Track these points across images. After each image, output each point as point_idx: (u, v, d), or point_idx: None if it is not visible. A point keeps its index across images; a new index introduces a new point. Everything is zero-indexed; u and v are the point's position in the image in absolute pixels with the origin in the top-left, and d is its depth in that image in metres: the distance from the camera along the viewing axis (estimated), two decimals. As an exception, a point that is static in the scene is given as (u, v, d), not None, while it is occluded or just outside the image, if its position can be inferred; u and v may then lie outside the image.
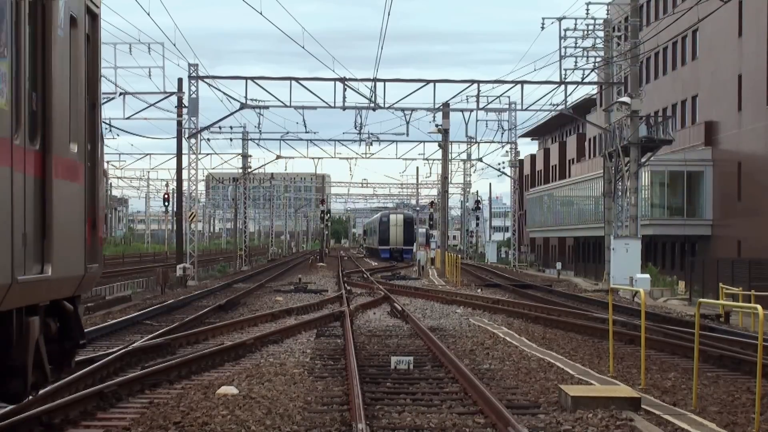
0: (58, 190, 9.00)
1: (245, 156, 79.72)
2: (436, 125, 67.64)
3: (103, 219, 11.13)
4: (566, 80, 51.74)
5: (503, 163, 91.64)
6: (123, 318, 26.27)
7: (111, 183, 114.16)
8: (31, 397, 9.44)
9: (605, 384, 15.83)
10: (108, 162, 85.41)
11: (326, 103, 51.08)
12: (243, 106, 51.61)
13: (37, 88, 8.75)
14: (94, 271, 10.36)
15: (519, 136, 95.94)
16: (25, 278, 8.15)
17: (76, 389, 13.81)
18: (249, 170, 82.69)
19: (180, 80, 53.44)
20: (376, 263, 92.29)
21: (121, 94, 51.63)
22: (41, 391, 11.20)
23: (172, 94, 53.28)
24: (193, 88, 51.81)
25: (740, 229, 59.03)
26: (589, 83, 55.75)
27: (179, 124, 53.63)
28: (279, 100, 52.55)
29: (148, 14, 67.69)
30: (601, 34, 52.50)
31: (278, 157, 79.49)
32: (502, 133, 75.04)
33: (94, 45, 10.50)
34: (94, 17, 10.48)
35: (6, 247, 7.71)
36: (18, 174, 8.00)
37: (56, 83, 9.04)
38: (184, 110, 52.66)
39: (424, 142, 77.07)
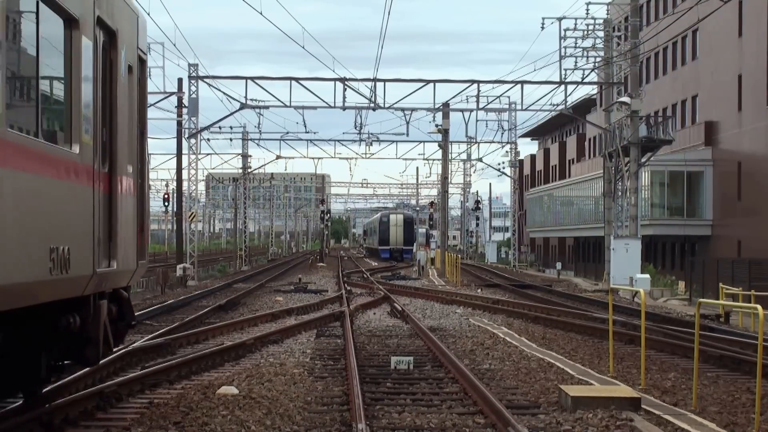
0: (120, 203, 11.75)
1: (245, 156, 79.72)
2: (436, 125, 67.65)
3: (149, 224, 14.25)
4: (566, 80, 51.74)
5: (503, 163, 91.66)
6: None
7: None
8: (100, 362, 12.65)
9: (605, 384, 15.83)
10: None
11: (326, 103, 51.10)
12: (243, 106, 51.62)
13: (106, 124, 11.41)
14: (143, 265, 13.17)
15: (519, 136, 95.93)
16: (100, 270, 10.92)
17: (76, 389, 13.80)
18: (249, 170, 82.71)
19: (180, 80, 53.46)
20: (376, 263, 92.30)
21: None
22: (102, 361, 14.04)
23: (172, 94, 53.30)
24: (193, 88, 51.85)
25: (740, 229, 59.04)
26: (589, 83, 55.75)
27: (179, 124, 53.65)
28: (279, 100, 52.59)
29: (149, 14, 67.61)
30: (601, 34, 52.50)
31: (278, 157, 79.53)
32: (502, 133, 75.12)
33: (142, 85, 13.24)
34: (143, 63, 13.21)
35: (89, 247, 10.48)
36: (97, 192, 10.79)
37: (119, 119, 11.77)
38: (184, 110, 52.68)
39: (424, 142, 77.15)
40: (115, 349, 13.61)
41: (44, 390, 12.23)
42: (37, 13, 9.01)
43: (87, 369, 13.99)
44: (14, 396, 11.81)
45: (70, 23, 9.89)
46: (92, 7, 10.46)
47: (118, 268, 11.75)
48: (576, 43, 52.19)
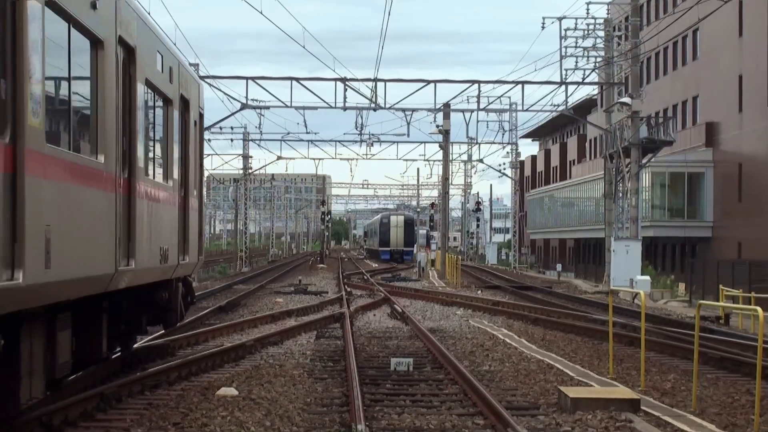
0: (189, 216, 17.49)
1: (246, 157, 79.70)
2: (437, 126, 67.64)
3: (204, 230, 20.76)
4: (567, 80, 51.72)
5: (504, 164, 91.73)
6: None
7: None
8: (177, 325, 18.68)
9: (605, 385, 15.83)
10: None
11: (327, 103, 51.13)
12: (244, 107, 51.62)
13: (182, 162, 17.07)
14: (201, 260, 19.26)
15: (520, 137, 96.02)
16: (181, 262, 16.69)
17: (75, 390, 13.80)
18: (250, 171, 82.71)
19: (180, 81, 53.36)
20: (376, 265, 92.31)
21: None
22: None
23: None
24: (194, 89, 51.80)
25: (741, 231, 59.03)
26: (590, 83, 55.74)
27: (180, 124, 53.57)
28: (280, 101, 52.60)
29: (149, 14, 67.62)
30: (601, 33, 52.50)
31: (279, 157, 79.58)
32: (503, 134, 75.13)
33: (201, 130, 19.01)
34: (201, 116, 19.16)
35: (176, 246, 16.15)
36: (181, 210, 16.77)
37: (190, 157, 17.62)
38: (185, 111, 52.64)
39: (424, 142, 77.24)
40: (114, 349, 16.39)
41: (135, 345, 17.58)
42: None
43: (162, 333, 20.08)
44: (116, 347, 16.06)
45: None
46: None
47: (189, 261, 17.53)
48: (576, 43, 52.20)
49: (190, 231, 17.49)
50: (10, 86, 8.90)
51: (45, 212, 9.51)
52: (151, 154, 14.48)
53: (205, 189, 20.40)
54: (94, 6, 11.06)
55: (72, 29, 10.57)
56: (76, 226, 10.72)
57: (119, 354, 16.64)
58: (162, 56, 15.01)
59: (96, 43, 11.47)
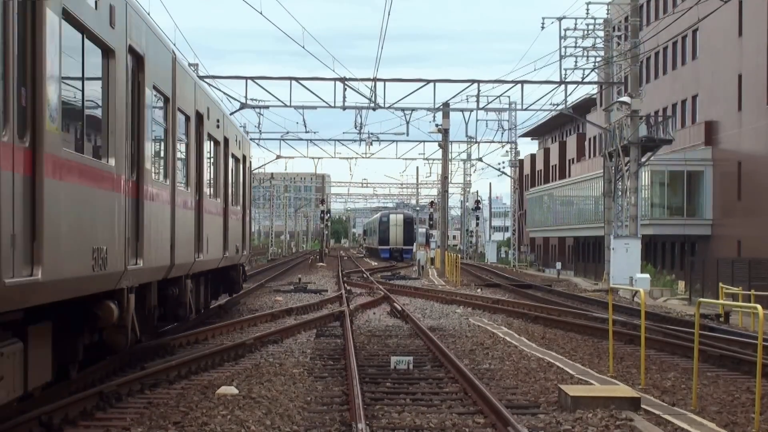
0: (245, 223, 28.46)
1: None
2: (436, 125, 67.65)
3: (251, 232, 34.32)
4: (566, 80, 51.72)
5: (503, 162, 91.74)
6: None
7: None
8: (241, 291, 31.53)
9: (605, 384, 15.83)
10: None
11: (326, 102, 51.11)
12: (243, 106, 51.61)
13: (235, 186, 26.17)
14: (248, 253, 30.86)
15: (519, 136, 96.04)
16: (243, 254, 28.38)
17: (75, 389, 13.79)
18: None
19: (180, 80, 53.39)
20: (376, 263, 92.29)
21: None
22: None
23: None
24: (193, 88, 51.79)
25: (740, 229, 59.04)
26: (589, 83, 55.72)
27: (179, 124, 53.65)
28: (279, 100, 52.61)
29: (148, 14, 67.63)
30: (601, 33, 52.51)
31: (278, 156, 79.50)
32: (502, 133, 75.11)
33: (247, 164, 29.06)
34: (247, 159, 28.78)
35: (242, 244, 27.52)
36: (246, 221, 28.93)
37: (243, 183, 28.12)
38: (184, 110, 52.67)
39: (424, 141, 77.16)
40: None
41: (211, 306, 26.76)
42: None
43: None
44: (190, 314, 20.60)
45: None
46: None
47: (243, 253, 28.27)
48: (576, 43, 52.22)
49: (246, 233, 28.83)
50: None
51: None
52: (210, 177, 21.63)
53: (250, 201, 32.33)
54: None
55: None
56: (184, 229, 18.06)
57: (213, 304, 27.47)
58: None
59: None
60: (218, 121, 22.30)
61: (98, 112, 12.14)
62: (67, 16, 10.44)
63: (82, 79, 11.35)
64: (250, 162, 30.47)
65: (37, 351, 10.66)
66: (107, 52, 12.18)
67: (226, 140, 23.54)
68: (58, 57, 10.08)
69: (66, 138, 10.53)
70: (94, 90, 11.93)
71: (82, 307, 12.26)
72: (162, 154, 16.07)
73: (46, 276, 9.70)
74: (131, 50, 13.42)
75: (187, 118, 18.35)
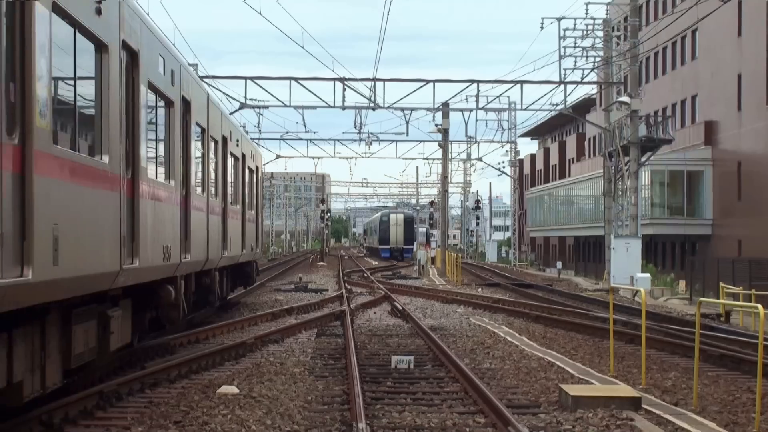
0: (258, 225, 32.91)
1: (245, 156, 79.59)
2: (436, 125, 67.62)
3: (263, 233, 43.45)
4: (566, 80, 51.73)
5: (503, 162, 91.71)
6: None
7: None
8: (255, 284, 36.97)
9: (606, 383, 15.83)
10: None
11: (326, 102, 51.11)
12: (243, 106, 51.60)
13: (250, 196, 29.88)
14: (261, 251, 35.76)
15: (519, 136, 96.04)
16: (257, 252, 32.82)
17: (75, 388, 13.79)
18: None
19: (180, 80, 53.36)
20: (376, 262, 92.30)
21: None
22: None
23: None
24: (193, 88, 51.79)
25: (740, 229, 59.04)
26: (589, 83, 55.74)
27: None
28: (279, 100, 52.62)
29: (148, 14, 67.62)
30: (600, 33, 52.51)
31: (278, 156, 79.51)
32: (502, 133, 75.13)
33: (259, 174, 32.94)
34: (259, 170, 33.13)
35: (256, 244, 31.89)
36: (260, 223, 34.18)
37: (256, 190, 31.93)
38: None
39: (423, 141, 77.18)
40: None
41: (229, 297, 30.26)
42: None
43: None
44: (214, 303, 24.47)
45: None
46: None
47: (259, 251, 32.64)
48: (575, 43, 52.23)
49: (260, 234, 33.24)
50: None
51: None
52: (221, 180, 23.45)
53: (263, 206, 36.92)
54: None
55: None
56: (234, 230, 24.27)
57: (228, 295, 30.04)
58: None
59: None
60: (237, 140, 26.31)
61: (161, 135, 15.79)
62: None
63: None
64: (262, 172, 34.80)
65: (124, 319, 14.07)
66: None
67: (243, 155, 27.61)
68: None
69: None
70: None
71: (150, 289, 15.89)
72: (200, 172, 20.05)
73: (142, 264, 13.72)
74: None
75: (216, 142, 22.42)
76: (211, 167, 21.74)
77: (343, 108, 51.36)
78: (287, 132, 70.45)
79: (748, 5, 58.44)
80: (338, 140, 73.83)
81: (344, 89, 50.67)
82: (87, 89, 11.56)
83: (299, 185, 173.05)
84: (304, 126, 60.95)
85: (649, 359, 18.80)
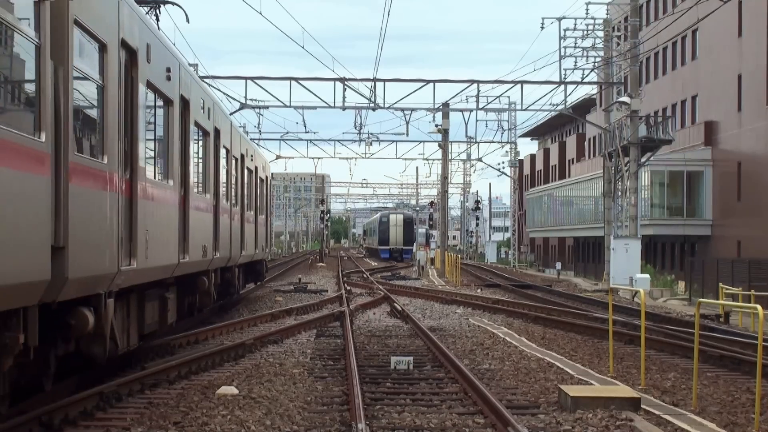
0: (270, 228, 40.50)
1: (245, 156, 79.60)
2: (436, 125, 67.64)
3: (272, 235, 50.61)
4: (566, 80, 51.73)
5: (503, 163, 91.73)
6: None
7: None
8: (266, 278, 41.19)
9: (605, 384, 15.83)
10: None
11: (326, 103, 51.12)
12: (243, 106, 51.61)
13: (261, 202, 33.79)
14: (270, 250, 50.04)
15: (519, 136, 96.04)
16: (267, 251, 37.73)
17: (75, 389, 13.80)
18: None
19: (180, 80, 53.35)
20: (375, 263, 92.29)
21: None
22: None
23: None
24: (193, 88, 51.78)
25: (740, 229, 59.04)
26: (589, 83, 55.74)
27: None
28: (279, 100, 52.61)
29: (148, 13, 67.55)
30: (600, 34, 52.50)
31: (278, 157, 79.56)
32: (502, 133, 75.11)
33: (268, 183, 36.94)
34: (268, 179, 37.19)
35: (266, 244, 36.96)
36: (269, 226, 39.68)
37: (266, 197, 36.03)
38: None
39: (423, 142, 77.20)
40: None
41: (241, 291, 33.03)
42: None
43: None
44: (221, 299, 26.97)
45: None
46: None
47: (268, 251, 38.78)
48: (576, 43, 52.22)
49: (269, 236, 37.33)
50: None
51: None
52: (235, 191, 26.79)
53: (272, 208, 43.36)
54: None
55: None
56: (231, 232, 25.17)
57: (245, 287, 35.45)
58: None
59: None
60: (252, 156, 30.45)
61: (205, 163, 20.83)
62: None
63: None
64: (271, 180, 39.77)
65: (173, 301, 17.60)
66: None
67: (256, 168, 31.71)
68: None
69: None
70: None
71: (192, 280, 19.99)
72: (225, 184, 23.99)
73: (191, 258, 18.05)
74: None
75: (236, 159, 26.30)
76: (233, 180, 25.71)
77: (343, 108, 51.38)
78: (287, 132, 70.51)
79: (749, 5, 58.44)
80: (338, 141, 73.91)
81: (344, 89, 50.70)
82: (160, 143, 15.75)
83: (299, 186, 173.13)
84: (304, 126, 61.03)
85: (649, 360, 18.80)
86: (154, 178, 14.91)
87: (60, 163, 10.24)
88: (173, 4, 22.97)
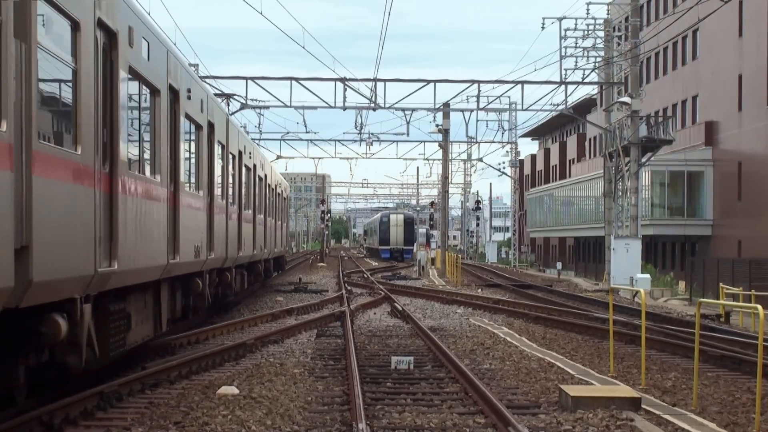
0: (286, 230, 49.23)
1: (245, 156, 79.58)
2: (437, 125, 67.63)
3: (288, 234, 60.29)
4: (566, 80, 51.72)
5: (503, 163, 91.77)
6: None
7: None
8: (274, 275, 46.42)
9: (606, 384, 15.83)
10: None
11: (326, 103, 51.12)
12: (243, 106, 51.59)
13: (281, 212, 43.97)
14: (287, 248, 55.16)
15: (519, 136, 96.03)
16: (284, 248, 48.29)
17: (76, 389, 13.79)
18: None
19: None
20: (376, 263, 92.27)
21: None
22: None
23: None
24: (194, 88, 51.78)
25: (740, 229, 59.04)
26: (590, 83, 55.72)
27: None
28: (279, 100, 52.59)
29: (148, 14, 67.57)
30: (601, 34, 52.50)
31: (278, 156, 79.54)
32: (503, 133, 74.89)
33: (285, 196, 46.73)
34: (287, 191, 48.96)
35: (285, 243, 49.37)
36: (283, 230, 45.96)
37: (284, 208, 46.66)
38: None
39: (424, 142, 77.19)
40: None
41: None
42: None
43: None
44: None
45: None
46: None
47: (285, 249, 49.61)
48: (576, 43, 52.22)
49: (287, 237, 43.64)
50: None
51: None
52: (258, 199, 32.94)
53: (288, 214, 49.35)
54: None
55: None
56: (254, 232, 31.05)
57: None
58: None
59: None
60: (278, 182, 35.42)
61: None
62: None
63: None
64: (289, 194, 45.61)
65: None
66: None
67: (277, 184, 37.69)
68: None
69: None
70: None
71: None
72: (256, 198, 30.64)
73: (216, 255, 21.12)
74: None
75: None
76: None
77: (344, 108, 51.36)
78: (288, 132, 70.52)
79: (749, 5, 58.44)
80: (339, 140, 73.89)
81: (345, 89, 50.67)
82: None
83: (299, 186, 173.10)
84: (305, 126, 61.06)
85: (649, 360, 18.80)
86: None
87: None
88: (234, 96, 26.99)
